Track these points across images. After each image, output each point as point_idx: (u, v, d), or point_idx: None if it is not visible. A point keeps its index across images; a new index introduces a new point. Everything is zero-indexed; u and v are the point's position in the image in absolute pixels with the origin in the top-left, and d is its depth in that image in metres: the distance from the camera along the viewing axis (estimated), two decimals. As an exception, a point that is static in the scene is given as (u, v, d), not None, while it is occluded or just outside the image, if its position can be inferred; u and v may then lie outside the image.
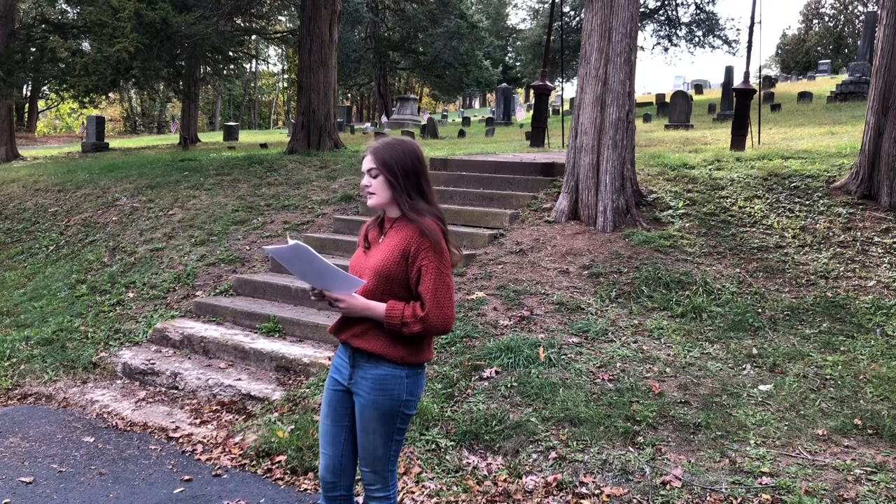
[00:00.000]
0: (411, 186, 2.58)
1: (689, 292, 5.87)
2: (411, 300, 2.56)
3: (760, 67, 13.80)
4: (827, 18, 65.90)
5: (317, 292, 2.58)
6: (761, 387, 4.65)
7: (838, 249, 6.37)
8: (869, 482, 3.63)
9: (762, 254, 6.39)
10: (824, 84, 31.23)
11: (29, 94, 39.46)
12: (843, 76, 27.89)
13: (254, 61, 54.67)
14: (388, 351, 2.56)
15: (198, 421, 5.08)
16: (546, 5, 45.01)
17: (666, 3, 37.97)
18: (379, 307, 2.53)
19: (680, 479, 3.70)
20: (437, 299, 2.50)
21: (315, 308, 6.32)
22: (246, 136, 29.49)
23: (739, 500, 3.53)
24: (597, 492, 3.69)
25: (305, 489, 4.05)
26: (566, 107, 26.80)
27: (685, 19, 38.92)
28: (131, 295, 7.33)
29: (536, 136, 13.71)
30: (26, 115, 44.03)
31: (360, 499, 3.87)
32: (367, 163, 2.60)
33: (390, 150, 2.58)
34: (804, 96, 23.83)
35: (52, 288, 7.84)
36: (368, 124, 37.65)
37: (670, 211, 7.19)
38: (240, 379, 5.50)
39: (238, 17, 19.05)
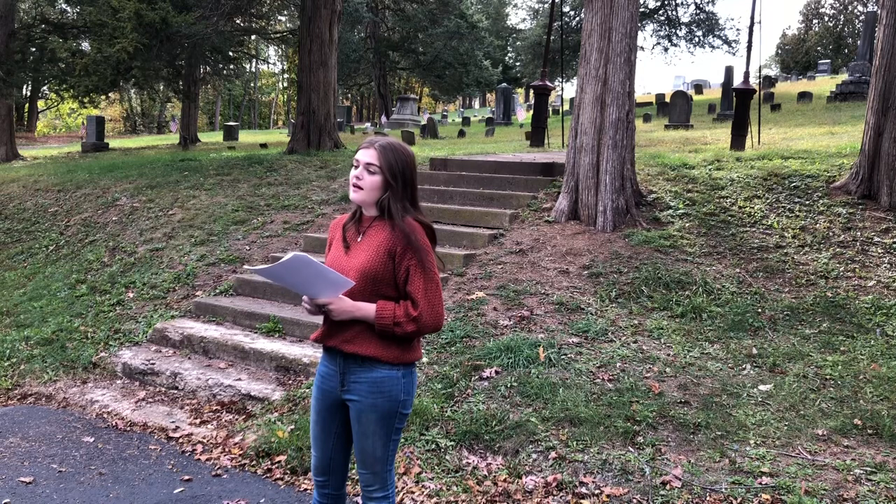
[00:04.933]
0: (407, 195, 2.57)
1: (689, 292, 5.87)
2: (399, 299, 2.55)
3: (760, 67, 13.83)
4: (827, 18, 65.89)
5: (310, 302, 2.54)
6: (761, 387, 4.65)
7: (838, 249, 6.37)
8: (869, 482, 3.63)
9: (762, 254, 6.39)
10: (824, 84, 31.23)
11: (29, 94, 39.45)
12: (843, 76, 27.88)
13: (254, 61, 54.63)
14: (382, 353, 2.54)
15: (198, 421, 5.08)
16: (546, 5, 45.01)
17: (666, 3, 37.94)
18: (368, 308, 2.51)
19: (680, 479, 3.70)
20: (428, 298, 2.50)
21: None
22: (246, 136, 29.48)
23: (739, 500, 3.53)
24: (597, 492, 3.69)
25: (305, 489, 4.05)
26: (566, 107, 26.79)
27: (685, 19, 38.90)
28: (131, 295, 7.33)
29: (536, 136, 13.71)
30: (26, 115, 44.00)
31: (359, 499, 3.88)
32: (369, 157, 2.53)
33: (396, 155, 2.53)
34: (804, 96, 23.83)
35: (52, 288, 7.84)
36: (368, 124, 37.63)
37: (670, 211, 7.19)
38: (240, 379, 5.50)
39: (238, 17, 19.02)
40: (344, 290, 2.49)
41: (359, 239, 2.61)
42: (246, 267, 2.82)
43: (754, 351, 5.13)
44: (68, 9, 23.36)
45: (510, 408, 4.46)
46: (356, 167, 2.57)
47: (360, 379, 2.58)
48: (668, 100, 23.87)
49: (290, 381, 5.37)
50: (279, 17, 26.74)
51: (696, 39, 38.84)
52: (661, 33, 39.66)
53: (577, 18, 37.38)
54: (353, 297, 2.52)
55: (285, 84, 65.83)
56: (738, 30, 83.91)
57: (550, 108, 18.73)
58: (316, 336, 2.69)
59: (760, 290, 5.89)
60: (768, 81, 31.11)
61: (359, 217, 2.66)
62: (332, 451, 2.76)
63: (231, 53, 21.97)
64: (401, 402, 2.60)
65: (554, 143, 14.08)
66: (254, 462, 4.38)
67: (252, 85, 63.03)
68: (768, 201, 7.23)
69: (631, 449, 4.01)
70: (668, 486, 3.66)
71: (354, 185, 2.56)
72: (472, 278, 6.31)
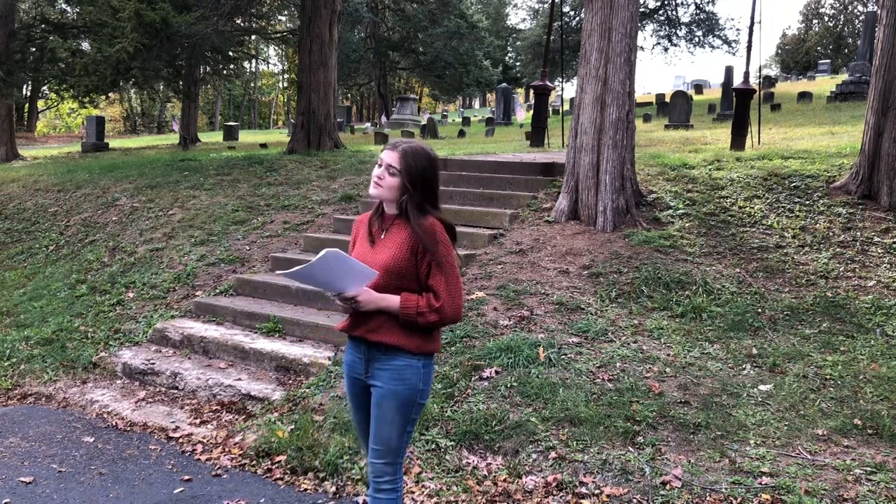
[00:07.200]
0: (425, 197, 2.71)
1: (689, 292, 5.87)
2: (421, 292, 2.70)
3: (760, 67, 13.84)
4: (827, 18, 65.91)
5: (339, 297, 2.69)
6: (761, 387, 4.65)
7: (838, 249, 6.37)
8: (869, 482, 3.63)
9: (762, 254, 6.40)
10: (824, 84, 31.25)
11: (29, 94, 39.46)
12: (843, 76, 27.89)
13: (254, 61, 54.67)
14: (405, 342, 2.70)
15: (198, 421, 5.08)
16: (546, 5, 45.02)
17: (666, 3, 37.94)
18: (393, 299, 2.67)
19: (680, 479, 3.70)
20: (450, 291, 2.67)
21: (315, 308, 6.32)
22: (246, 136, 29.51)
23: (739, 500, 3.53)
24: (597, 492, 3.69)
25: (305, 489, 4.05)
26: (566, 107, 26.79)
27: (685, 19, 38.90)
28: (131, 295, 7.33)
29: (536, 136, 13.71)
30: (26, 115, 44.02)
31: (360, 499, 3.88)
32: (391, 159, 2.68)
33: (416, 160, 2.69)
34: (804, 96, 23.84)
35: (52, 288, 7.84)
36: (368, 124, 37.65)
37: (670, 211, 7.19)
38: (240, 379, 5.50)
39: (238, 17, 19.04)
40: (369, 282, 2.64)
41: (382, 235, 2.77)
42: (278, 272, 2.89)
43: (754, 351, 5.13)
44: (68, 9, 23.38)
45: (510, 408, 4.46)
46: (380, 166, 2.72)
47: (383, 366, 2.74)
48: (668, 100, 23.88)
49: (290, 381, 5.37)
50: (279, 17, 26.77)
51: (696, 39, 38.85)
52: (661, 33, 39.68)
53: (577, 18, 37.38)
54: (377, 290, 2.68)
55: (285, 84, 65.83)
56: (738, 30, 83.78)
57: (550, 108, 18.73)
58: (343, 326, 2.85)
59: (760, 290, 5.89)
60: (768, 81, 31.13)
61: (381, 213, 2.81)
62: None
63: (231, 53, 21.98)
64: (419, 391, 2.75)
65: (554, 143, 14.08)
66: (254, 462, 4.38)
67: (252, 85, 63.05)
68: (768, 201, 7.23)
69: (631, 449, 4.01)
70: (668, 486, 3.66)
71: (376, 182, 2.72)
72: (472, 278, 6.31)
